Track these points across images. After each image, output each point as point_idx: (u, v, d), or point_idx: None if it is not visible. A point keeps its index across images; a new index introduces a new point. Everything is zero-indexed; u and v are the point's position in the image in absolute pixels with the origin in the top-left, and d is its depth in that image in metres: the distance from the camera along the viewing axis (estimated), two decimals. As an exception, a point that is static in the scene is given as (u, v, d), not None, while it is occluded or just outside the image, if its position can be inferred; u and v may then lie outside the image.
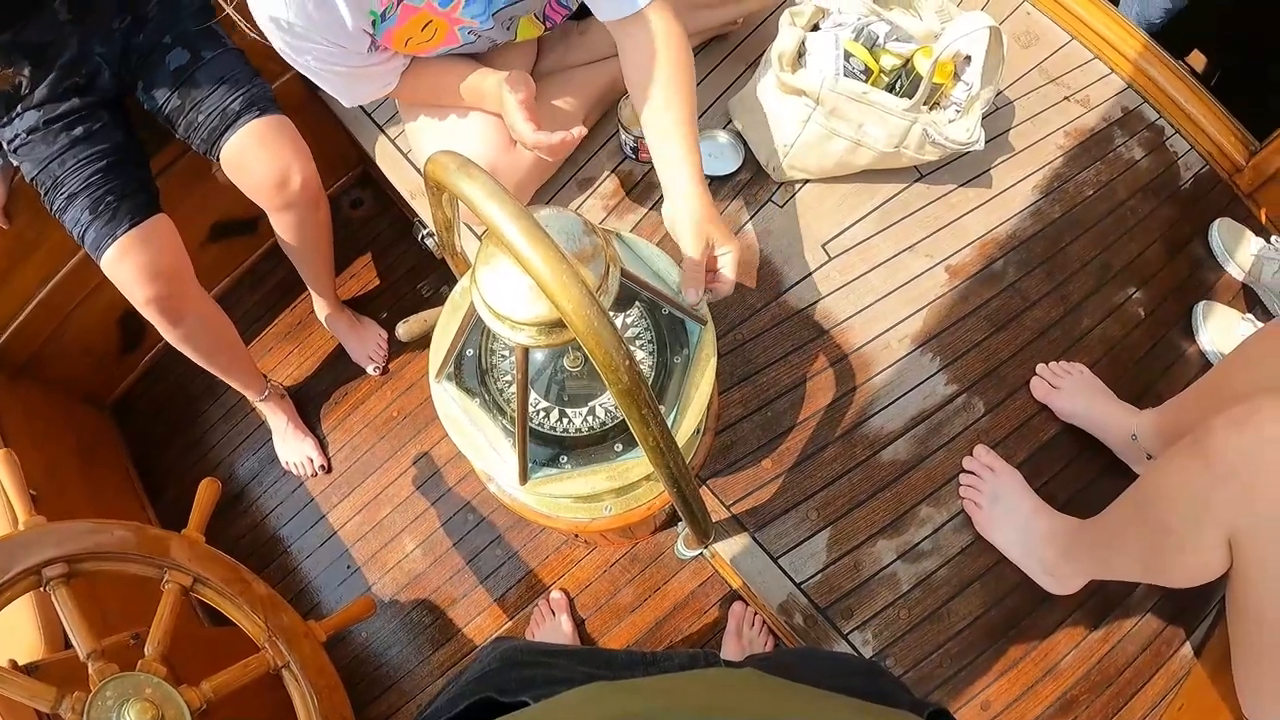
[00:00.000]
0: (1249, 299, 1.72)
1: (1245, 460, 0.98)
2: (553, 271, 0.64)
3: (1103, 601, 1.42)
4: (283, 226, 1.61)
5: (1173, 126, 1.85)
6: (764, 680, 0.55)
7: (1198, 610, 1.44)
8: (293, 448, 1.89)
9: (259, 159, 1.46)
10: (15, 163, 1.43)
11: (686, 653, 0.68)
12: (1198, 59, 3.37)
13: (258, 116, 1.45)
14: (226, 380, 1.73)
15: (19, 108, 1.38)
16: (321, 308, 1.90)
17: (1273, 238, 1.73)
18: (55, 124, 1.39)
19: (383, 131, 1.74)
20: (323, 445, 1.91)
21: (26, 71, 1.36)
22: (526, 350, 0.87)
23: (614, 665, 0.67)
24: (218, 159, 1.48)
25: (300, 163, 1.49)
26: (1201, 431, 1.04)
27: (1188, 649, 1.42)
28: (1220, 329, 1.63)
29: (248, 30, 1.22)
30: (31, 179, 1.42)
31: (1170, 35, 2.29)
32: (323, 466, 1.90)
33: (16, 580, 1.20)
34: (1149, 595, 1.43)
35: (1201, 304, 1.66)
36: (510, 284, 0.79)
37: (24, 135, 1.39)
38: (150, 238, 1.42)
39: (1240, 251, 1.72)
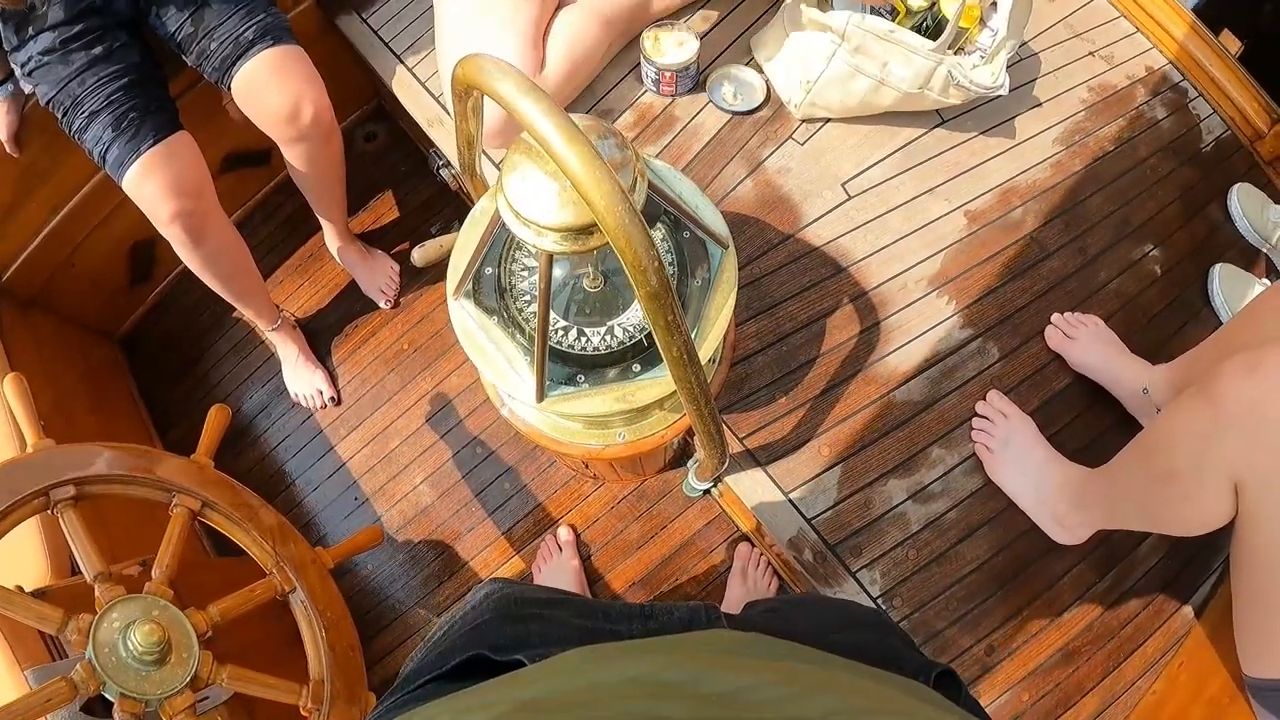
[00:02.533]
0: (1265, 265, 1.72)
1: (1253, 406, 0.98)
2: (587, 168, 0.63)
3: (1109, 553, 1.42)
4: (294, 158, 1.59)
5: (1196, 89, 1.83)
6: (771, 646, 0.53)
7: (1201, 570, 1.45)
8: (303, 379, 1.88)
9: (271, 89, 1.44)
10: (30, 86, 1.40)
11: (686, 606, 0.67)
12: (1229, 39, 3.34)
13: (271, 46, 1.43)
14: (240, 307, 1.72)
15: (31, 29, 1.35)
16: (333, 240, 1.89)
17: None
18: (73, 44, 1.36)
19: (400, 60, 1.72)
20: (333, 377, 1.90)
21: None
22: (550, 259, 0.87)
23: (611, 618, 0.66)
24: (229, 88, 1.46)
25: (313, 94, 1.47)
26: (1209, 378, 1.04)
27: (1189, 609, 1.43)
28: (1235, 292, 1.63)
29: None
30: (48, 100, 1.39)
31: (1202, 13, 2.29)
32: (332, 399, 1.89)
33: (25, 501, 1.19)
34: (1154, 550, 1.44)
35: (1218, 266, 1.65)
36: (538, 188, 0.79)
37: (39, 57, 1.36)
38: (174, 154, 1.41)
39: (1258, 218, 1.71)
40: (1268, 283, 1.66)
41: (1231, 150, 1.81)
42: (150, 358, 2.03)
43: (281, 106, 1.46)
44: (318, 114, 1.49)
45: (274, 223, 2.05)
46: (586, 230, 0.80)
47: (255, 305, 1.73)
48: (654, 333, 0.76)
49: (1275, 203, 1.74)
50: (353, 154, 2.06)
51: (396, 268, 1.95)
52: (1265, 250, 1.72)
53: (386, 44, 1.74)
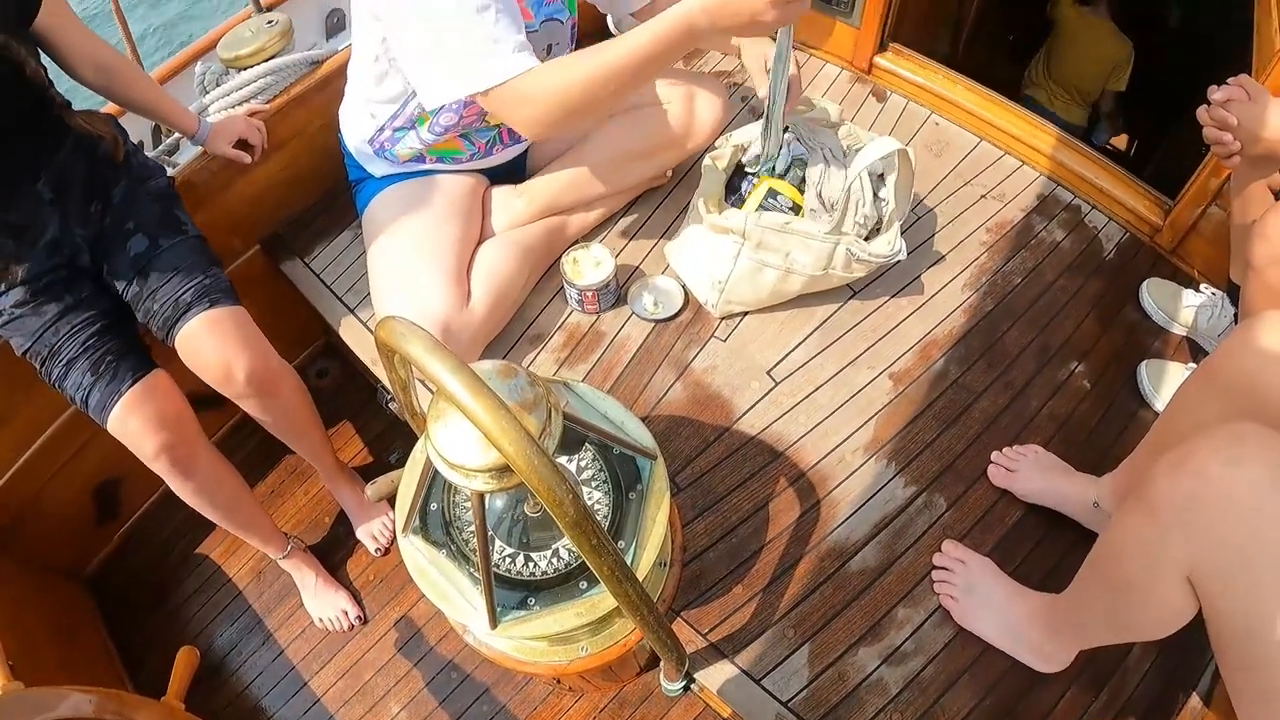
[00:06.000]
0: (1191, 349, 1.76)
1: (1188, 501, 1.00)
2: (493, 418, 0.69)
3: (1097, 671, 1.39)
4: (249, 410, 1.61)
5: (1089, 203, 1.96)
6: None
7: (1197, 659, 1.41)
8: (326, 602, 1.84)
9: (205, 351, 1.47)
10: (3, 338, 1.44)
11: None
12: (1120, 140, 3.60)
13: (207, 309, 1.47)
14: (245, 538, 1.71)
15: (3, 286, 1.40)
16: (325, 479, 1.90)
17: (1201, 285, 1.79)
18: (42, 295, 1.41)
19: (342, 302, 1.81)
20: (356, 598, 1.86)
21: (11, 250, 1.39)
22: (483, 497, 0.91)
23: None
24: (174, 347, 1.50)
25: (246, 356, 1.49)
26: (1143, 484, 1.06)
27: (1196, 701, 1.38)
28: (1166, 383, 1.67)
29: None
30: (24, 351, 1.42)
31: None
32: (359, 617, 1.84)
33: (-5, 746, 1.18)
34: (1145, 654, 1.41)
35: (1144, 364, 1.70)
36: (461, 435, 0.84)
37: (11, 310, 1.41)
38: (154, 390, 1.44)
39: (1173, 306, 1.77)
40: (1195, 366, 1.68)
41: (1134, 251, 1.90)
42: (118, 597, 1.98)
43: (217, 368, 1.48)
44: (251, 375, 1.50)
45: (235, 460, 2.06)
46: (511, 468, 0.85)
47: (261, 534, 1.71)
48: (583, 556, 0.80)
49: (1185, 286, 1.80)
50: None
51: (391, 515, 1.93)
52: (1187, 335, 1.77)
53: (329, 286, 1.83)
